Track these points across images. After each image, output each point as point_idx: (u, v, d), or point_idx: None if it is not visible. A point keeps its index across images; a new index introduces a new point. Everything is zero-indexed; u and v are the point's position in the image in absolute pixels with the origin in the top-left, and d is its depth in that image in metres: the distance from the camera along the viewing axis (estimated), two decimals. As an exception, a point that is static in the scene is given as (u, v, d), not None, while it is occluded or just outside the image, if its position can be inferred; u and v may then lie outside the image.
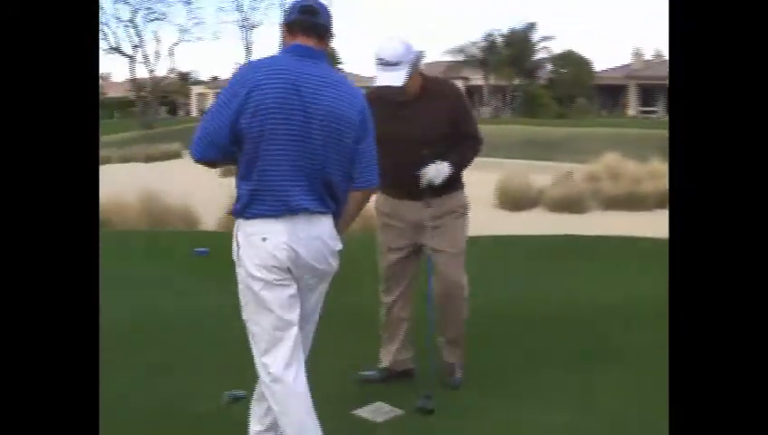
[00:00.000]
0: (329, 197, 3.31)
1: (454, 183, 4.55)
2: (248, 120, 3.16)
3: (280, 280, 3.25)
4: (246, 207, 3.24)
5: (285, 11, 3.60)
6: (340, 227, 3.42)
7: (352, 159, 3.35)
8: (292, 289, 3.31)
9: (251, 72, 3.26)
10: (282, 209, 3.21)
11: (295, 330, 3.33)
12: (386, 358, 4.76)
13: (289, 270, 3.26)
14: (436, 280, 4.65)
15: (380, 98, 4.34)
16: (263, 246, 3.21)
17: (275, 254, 3.21)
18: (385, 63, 4.25)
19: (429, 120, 4.41)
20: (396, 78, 4.24)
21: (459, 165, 4.49)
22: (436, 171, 4.37)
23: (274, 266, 3.22)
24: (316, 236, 3.28)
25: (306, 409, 3.34)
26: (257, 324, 3.32)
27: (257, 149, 3.18)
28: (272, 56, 3.43)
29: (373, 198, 4.50)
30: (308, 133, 3.20)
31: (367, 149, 3.42)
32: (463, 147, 4.54)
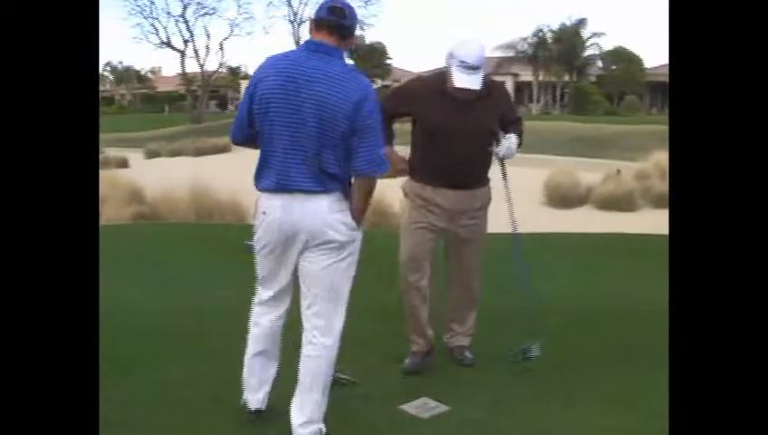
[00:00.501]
0: (326, 178, 3.60)
1: (486, 175, 4.75)
2: (257, 107, 3.61)
3: (271, 251, 3.73)
4: (257, 179, 3.71)
5: (317, 7, 3.83)
6: (354, 216, 3.70)
7: (348, 146, 3.59)
8: (277, 258, 3.76)
9: (264, 66, 3.67)
10: (278, 185, 3.61)
11: (277, 288, 3.87)
12: (421, 340, 4.83)
13: (285, 243, 3.67)
14: (457, 268, 4.81)
15: (442, 93, 4.51)
16: (264, 219, 3.68)
17: (272, 227, 3.65)
18: (468, 67, 4.40)
19: (484, 118, 4.57)
20: (475, 81, 4.42)
21: (520, 138, 4.72)
22: (509, 146, 4.59)
23: (270, 239, 3.69)
24: (312, 211, 3.60)
25: (261, 341, 3.94)
26: (258, 267, 3.90)
27: (263, 132, 3.63)
28: (288, 51, 3.75)
29: (399, 180, 4.70)
30: (302, 120, 3.53)
31: (365, 139, 3.60)
32: (515, 126, 4.75)
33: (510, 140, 4.59)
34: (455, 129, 4.49)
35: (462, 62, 4.38)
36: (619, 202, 20.55)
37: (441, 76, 4.58)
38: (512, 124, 4.73)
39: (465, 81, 4.39)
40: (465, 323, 4.96)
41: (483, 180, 4.72)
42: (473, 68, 4.38)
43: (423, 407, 4.25)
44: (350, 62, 3.75)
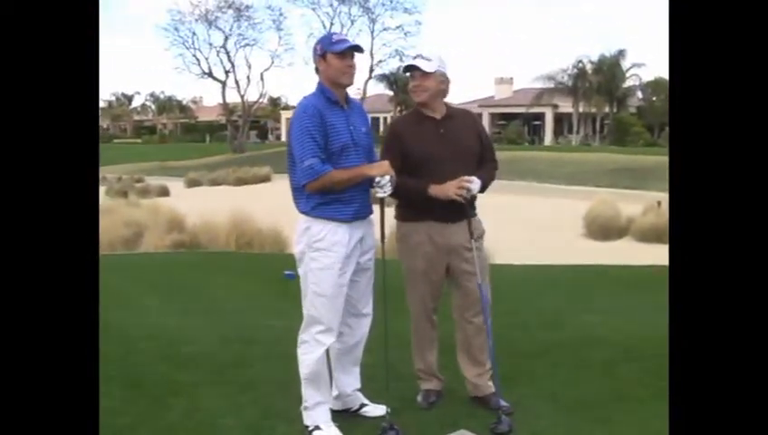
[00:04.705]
0: None
1: (474, 203, 4.64)
2: None
3: None
4: None
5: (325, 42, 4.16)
6: None
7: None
8: None
9: None
10: None
11: None
12: (433, 380, 4.81)
13: None
14: (467, 304, 4.66)
15: (420, 122, 4.58)
16: None
17: None
18: (417, 56, 4.57)
19: (465, 138, 4.59)
20: (428, 65, 4.49)
21: (485, 183, 4.58)
22: (475, 183, 4.46)
23: None
24: None
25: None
26: None
27: None
28: None
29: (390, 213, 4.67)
30: None
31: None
32: (487, 168, 4.67)
33: (474, 182, 4.45)
34: (440, 153, 4.44)
35: (413, 57, 4.57)
36: (659, 234, 20.32)
37: (414, 112, 4.69)
38: (485, 163, 4.67)
39: (419, 60, 4.50)
40: (478, 362, 4.75)
41: (472, 208, 4.59)
42: (424, 58, 4.51)
43: (462, 438, 4.22)
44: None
